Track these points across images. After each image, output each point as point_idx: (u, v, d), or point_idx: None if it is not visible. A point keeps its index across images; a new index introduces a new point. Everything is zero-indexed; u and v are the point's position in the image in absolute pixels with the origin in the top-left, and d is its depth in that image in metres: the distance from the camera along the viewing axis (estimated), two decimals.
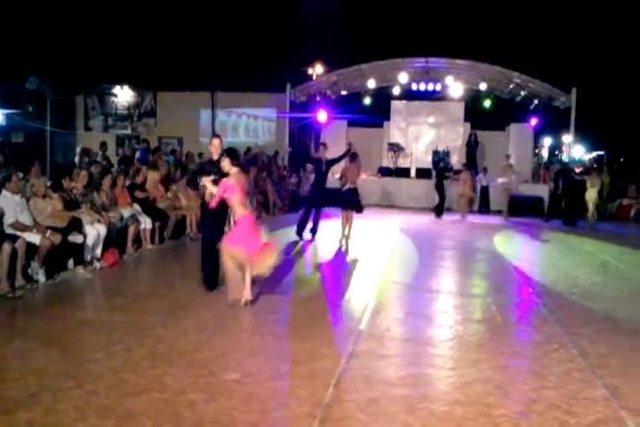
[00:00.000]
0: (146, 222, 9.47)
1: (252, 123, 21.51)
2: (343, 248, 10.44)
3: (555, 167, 18.60)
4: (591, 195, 15.41)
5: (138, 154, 15.61)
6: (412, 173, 20.01)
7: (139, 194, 9.92)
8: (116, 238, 8.60)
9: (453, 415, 3.84)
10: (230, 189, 6.39)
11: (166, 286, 7.27)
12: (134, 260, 8.91)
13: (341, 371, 4.51)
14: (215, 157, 6.89)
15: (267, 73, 24.93)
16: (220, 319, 5.81)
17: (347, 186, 10.83)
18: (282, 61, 28.53)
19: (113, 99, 22.07)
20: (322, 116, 19.98)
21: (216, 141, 7.15)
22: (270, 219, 14.59)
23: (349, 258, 9.74)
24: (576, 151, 25.97)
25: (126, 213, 9.16)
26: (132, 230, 9.09)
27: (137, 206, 9.64)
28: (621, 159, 23.15)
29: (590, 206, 15.32)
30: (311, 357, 4.78)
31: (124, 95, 21.98)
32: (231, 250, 6.23)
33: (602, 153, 30.49)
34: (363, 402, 4.00)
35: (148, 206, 9.89)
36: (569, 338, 5.51)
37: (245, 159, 17.38)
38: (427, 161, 20.52)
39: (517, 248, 11.62)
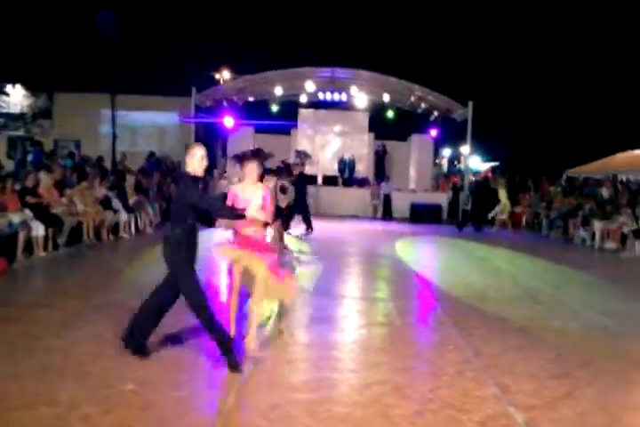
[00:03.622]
0: (38, 229, 8.98)
1: (156, 127, 20.95)
2: None
3: (468, 180, 19.77)
4: (504, 198, 17.18)
5: (30, 157, 14.80)
6: (319, 180, 20.30)
7: (30, 199, 9.39)
8: (4, 245, 8.08)
9: (353, 417, 3.90)
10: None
11: (60, 296, 6.88)
12: (25, 268, 8.41)
13: (242, 377, 4.46)
14: (200, 173, 4.84)
15: (171, 76, 24.43)
16: (117, 328, 5.55)
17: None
18: (187, 65, 28.06)
19: (5, 98, 20.80)
20: (228, 121, 19.82)
21: (203, 151, 4.83)
22: None
23: None
24: (473, 162, 27.29)
25: (16, 218, 8.65)
26: (22, 237, 8.59)
27: (28, 212, 9.11)
28: (514, 170, 24.74)
29: (502, 211, 17.19)
30: (211, 364, 4.70)
31: (16, 95, 20.77)
32: (238, 254, 5.06)
33: (496, 164, 32.28)
34: (265, 408, 3.97)
35: (41, 212, 9.38)
36: (464, 339, 5.76)
37: (149, 164, 16.93)
38: (333, 169, 20.90)
39: (418, 254, 12.05)
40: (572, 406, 4.24)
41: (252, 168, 5.20)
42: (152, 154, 17.98)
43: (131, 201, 12.53)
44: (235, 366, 4.52)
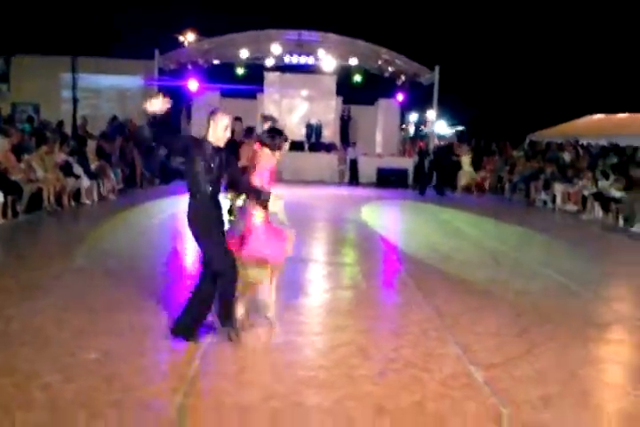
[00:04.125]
0: None
1: (119, 90, 20.35)
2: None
3: (432, 144, 19.81)
4: (467, 165, 17.48)
5: None
6: (286, 145, 20.09)
7: None
8: None
9: (318, 380, 3.95)
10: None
11: (20, 265, 6.75)
12: None
13: (208, 343, 4.47)
14: (222, 144, 4.41)
15: (135, 38, 23.61)
16: (80, 297, 5.50)
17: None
18: (150, 27, 27.12)
19: None
20: (193, 85, 19.38)
21: (229, 120, 4.38)
22: (139, 192, 14.06)
23: None
24: (439, 126, 27.37)
25: None
26: None
27: None
28: (479, 134, 24.95)
29: (464, 177, 17.51)
30: None
31: None
32: (253, 261, 4.67)
33: (462, 128, 32.46)
34: (230, 373, 3.99)
35: None
36: (427, 300, 5.86)
37: (111, 128, 16.50)
38: (300, 134, 20.70)
39: (383, 218, 12.14)
40: (530, 362, 4.37)
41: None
42: (114, 118, 17.50)
43: (92, 166, 12.24)
44: (234, 335, 4.45)
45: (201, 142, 4.36)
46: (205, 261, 4.51)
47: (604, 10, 30.43)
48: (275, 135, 4.80)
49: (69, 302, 5.34)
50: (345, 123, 20.95)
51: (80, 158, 12.01)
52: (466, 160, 17.52)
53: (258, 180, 4.65)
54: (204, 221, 4.37)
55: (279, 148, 4.79)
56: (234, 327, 4.50)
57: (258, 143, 4.83)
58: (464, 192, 17.29)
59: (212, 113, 4.40)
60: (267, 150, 4.74)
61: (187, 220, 4.46)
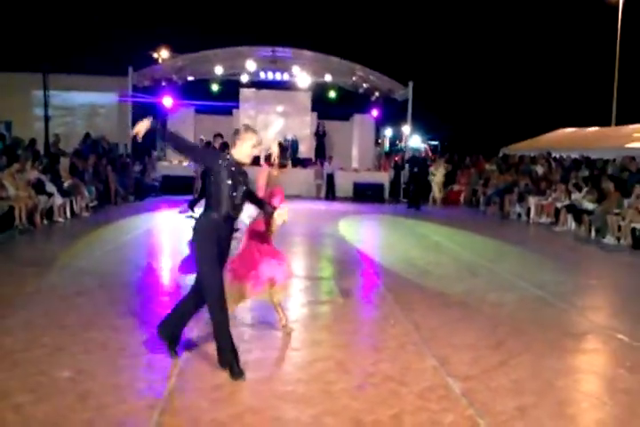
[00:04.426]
0: None
1: (92, 107, 20.19)
2: None
3: (407, 155, 19.97)
4: (439, 179, 17.68)
5: None
6: (262, 161, 20.10)
7: None
8: None
9: (296, 394, 3.92)
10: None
11: None
12: None
13: (183, 360, 4.41)
14: (246, 161, 4.34)
15: (106, 55, 23.54)
16: (51, 315, 5.40)
17: None
18: (124, 43, 27.10)
19: None
20: (167, 101, 19.34)
21: (257, 139, 4.32)
22: (113, 209, 13.92)
23: None
24: (413, 141, 27.66)
25: None
26: None
27: None
28: (452, 149, 25.35)
29: (437, 190, 17.71)
30: (151, 348, 4.61)
31: None
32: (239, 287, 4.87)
33: (436, 143, 32.84)
34: (206, 390, 3.94)
35: None
36: (405, 314, 5.87)
37: (84, 146, 16.37)
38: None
39: (361, 232, 12.18)
40: (507, 374, 4.39)
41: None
42: (87, 135, 17.36)
43: (65, 184, 12.09)
44: (238, 374, 4.11)
45: (226, 157, 4.23)
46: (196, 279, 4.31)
47: (574, 27, 31.25)
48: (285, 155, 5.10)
49: (41, 319, 5.23)
50: (320, 138, 21.06)
51: (53, 176, 11.86)
52: (440, 173, 17.73)
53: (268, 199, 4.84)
54: (209, 240, 4.14)
55: (285, 166, 5.13)
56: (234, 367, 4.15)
57: (267, 164, 5.06)
58: (434, 205, 17.55)
59: (238, 131, 4.29)
60: (273, 170, 5.04)
61: (192, 232, 4.22)
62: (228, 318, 4.21)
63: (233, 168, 4.18)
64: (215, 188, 4.16)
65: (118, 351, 4.55)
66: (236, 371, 4.12)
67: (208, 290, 4.15)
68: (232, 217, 4.25)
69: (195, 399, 3.79)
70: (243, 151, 4.23)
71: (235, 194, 4.18)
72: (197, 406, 3.69)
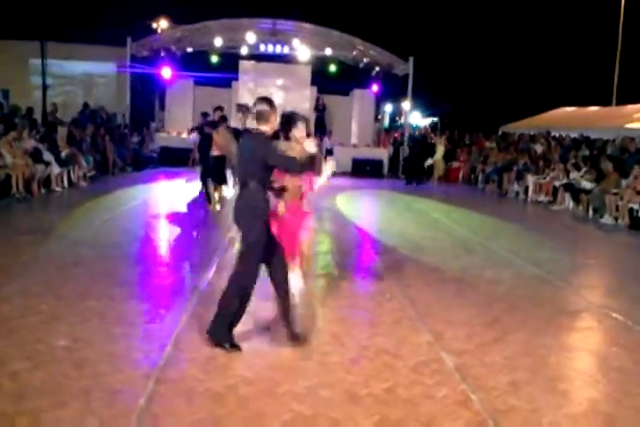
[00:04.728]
0: None
1: (90, 77, 19.95)
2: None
3: (407, 132, 19.86)
4: (439, 157, 17.35)
5: None
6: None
7: None
8: None
9: (290, 366, 3.95)
10: None
11: None
12: None
13: (179, 331, 4.43)
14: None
15: (105, 25, 23.11)
16: (49, 284, 5.41)
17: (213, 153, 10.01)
18: (123, 13, 26.59)
19: None
20: (166, 72, 19.08)
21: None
22: (110, 179, 13.86)
23: (200, 221, 9.56)
24: (413, 118, 27.47)
25: None
26: None
27: None
28: (453, 126, 25.18)
29: (438, 167, 17.41)
30: (148, 318, 4.64)
31: None
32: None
33: (436, 120, 32.60)
34: (202, 360, 3.96)
35: None
36: (401, 289, 5.89)
37: (82, 115, 16.21)
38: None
39: (358, 208, 12.15)
40: (501, 350, 4.42)
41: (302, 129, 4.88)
42: (86, 105, 17.19)
43: (63, 154, 12.00)
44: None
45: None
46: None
47: (576, 4, 30.77)
48: None
49: (37, 288, 5.24)
50: (320, 112, 20.87)
51: (50, 145, 11.76)
52: (440, 150, 17.60)
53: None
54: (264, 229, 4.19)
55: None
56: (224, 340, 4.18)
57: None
58: (437, 182, 17.41)
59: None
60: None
61: (254, 211, 4.17)
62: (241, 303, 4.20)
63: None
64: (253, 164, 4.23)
65: (115, 321, 4.56)
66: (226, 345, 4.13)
67: (248, 271, 4.16)
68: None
69: (190, 369, 3.81)
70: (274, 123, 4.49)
71: None
72: (192, 377, 3.71)
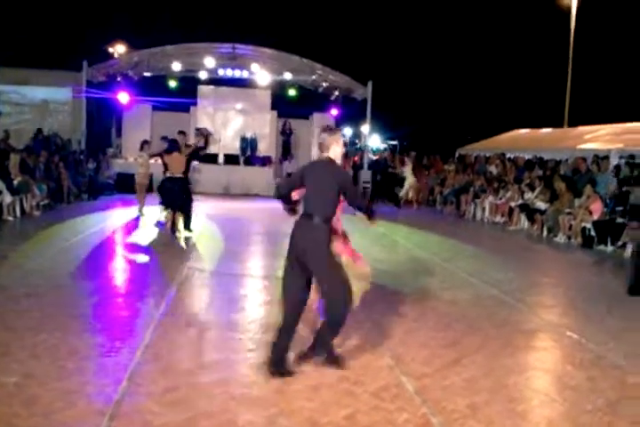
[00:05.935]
0: None
1: (44, 103, 19.65)
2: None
3: (366, 155, 20.02)
4: (411, 181, 17.45)
5: None
6: (221, 159, 19.95)
7: None
8: None
9: (250, 397, 3.89)
10: None
11: None
12: None
13: (136, 364, 4.31)
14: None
15: (61, 50, 22.92)
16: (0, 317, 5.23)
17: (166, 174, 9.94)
18: (79, 38, 26.45)
19: None
20: (123, 97, 18.96)
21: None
22: (65, 207, 13.57)
23: (157, 250, 9.40)
24: (373, 141, 27.85)
25: None
26: None
27: None
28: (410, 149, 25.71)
29: (411, 191, 17.42)
30: (103, 351, 4.51)
31: None
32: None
33: (395, 143, 33.16)
34: (158, 393, 3.86)
35: None
36: (363, 313, 5.84)
37: (35, 142, 15.92)
38: (235, 147, 20.58)
39: None
40: (460, 372, 4.45)
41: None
42: (39, 131, 16.90)
43: (15, 182, 11.71)
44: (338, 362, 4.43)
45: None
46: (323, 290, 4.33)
47: (528, 30, 31.96)
48: None
49: None
50: (287, 137, 21.00)
51: (2, 173, 11.48)
52: (408, 171, 17.59)
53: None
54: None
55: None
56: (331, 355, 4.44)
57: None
58: (407, 205, 17.37)
59: (331, 130, 4.49)
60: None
61: (324, 238, 4.39)
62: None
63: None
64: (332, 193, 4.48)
65: (68, 355, 4.42)
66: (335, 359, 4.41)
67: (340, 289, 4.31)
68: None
69: (146, 403, 3.71)
70: (338, 151, 4.50)
71: None
72: (149, 411, 3.62)
